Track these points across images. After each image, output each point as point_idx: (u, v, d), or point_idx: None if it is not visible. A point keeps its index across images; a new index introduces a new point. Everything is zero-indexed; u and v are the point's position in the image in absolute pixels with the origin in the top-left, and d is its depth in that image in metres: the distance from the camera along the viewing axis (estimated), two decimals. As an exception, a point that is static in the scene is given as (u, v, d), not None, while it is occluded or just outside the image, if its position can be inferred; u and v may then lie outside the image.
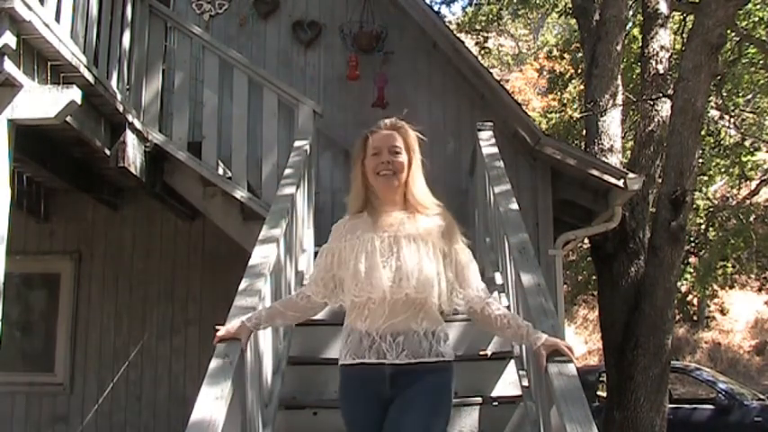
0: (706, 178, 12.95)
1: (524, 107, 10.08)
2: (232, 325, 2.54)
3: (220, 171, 5.64)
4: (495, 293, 2.44)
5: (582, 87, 11.40)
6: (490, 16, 13.42)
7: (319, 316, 4.44)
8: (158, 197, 5.87)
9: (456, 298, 2.32)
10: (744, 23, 10.54)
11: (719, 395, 9.77)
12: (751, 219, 12.62)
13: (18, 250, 4.65)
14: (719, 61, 8.54)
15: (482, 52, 13.41)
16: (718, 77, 9.68)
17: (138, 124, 5.30)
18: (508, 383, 3.82)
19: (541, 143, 6.25)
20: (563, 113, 14.65)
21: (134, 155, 5.22)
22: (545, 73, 18.88)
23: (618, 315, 6.96)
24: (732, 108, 11.90)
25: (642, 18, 8.66)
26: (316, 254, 4.94)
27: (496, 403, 3.66)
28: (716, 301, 15.73)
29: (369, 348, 2.27)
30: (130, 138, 5.17)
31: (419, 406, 2.23)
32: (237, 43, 6.65)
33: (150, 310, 6.54)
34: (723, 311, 16.63)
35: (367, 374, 2.29)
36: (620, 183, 6.12)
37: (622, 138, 8.24)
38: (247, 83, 5.52)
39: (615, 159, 7.48)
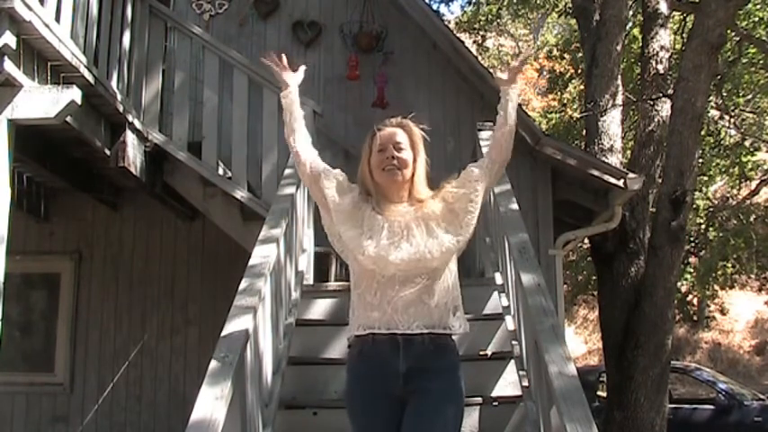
0: (706, 178, 12.95)
1: (524, 107, 10.09)
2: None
3: (220, 171, 5.64)
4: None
5: (582, 87, 11.40)
6: (489, 16, 13.43)
7: (319, 316, 4.47)
8: (158, 197, 5.87)
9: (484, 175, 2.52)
10: (744, 23, 10.53)
11: (719, 395, 9.77)
12: (751, 219, 12.63)
13: (18, 250, 4.64)
14: (719, 61, 8.54)
15: (479, 51, 13.42)
16: (718, 77, 9.68)
17: (138, 124, 5.30)
18: (508, 383, 3.82)
19: (541, 143, 6.25)
20: (563, 113, 14.64)
21: (134, 155, 5.22)
22: (545, 73, 18.87)
23: (618, 315, 6.96)
24: (732, 108, 11.89)
25: (642, 18, 8.66)
26: (316, 254, 4.99)
27: (496, 403, 3.66)
28: (716, 301, 15.71)
29: (380, 320, 2.28)
30: (130, 138, 5.17)
31: (435, 412, 2.24)
32: (237, 43, 6.65)
33: (150, 310, 6.54)
34: (723, 311, 16.62)
35: (377, 360, 2.28)
36: (620, 183, 6.12)
37: (622, 138, 8.24)
38: (247, 83, 5.52)
39: (615, 159, 7.48)
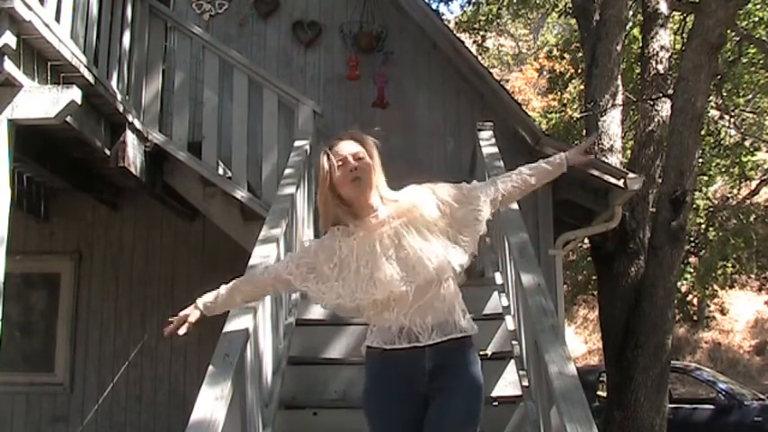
0: (706, 178, 12.96)
1: (524, 107, 10.09)
2: (184, 312, 2.49)
3: (220, 171, 5.64)
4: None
5: (582, 87, 11.40)
6: (489, 16, 13.42)
7: (319, 316, 4.46)
8: (158, 197, 5.87)
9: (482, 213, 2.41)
10: (744, 23, 10.54)
11: (719, 395, 9.77)
12: (751, 219, 12.63)
13: (18, 250, 4.64)
14: (719, 61, 8.54)
15: (480, 51, 13.42)
16: (719, 77, 9.68)
17: (138, 124, 5.30)
18: (508, 383, 3.82)
19: (541, 143, 6.25)
20: (563, 113, 14.65)
21: (134, 155, 5.22)
22: (545, 73, 18.88)
23: (618, 315, 6.96)
24: (732, 108, 11.90)
25: (642, 18, 8.66)
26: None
27: (496, 403, 3.66)
28: (716, 301, 15.71)
29: (399, 334, 2.28)
30: (130, 138, 5.17)
31: (459, 408, 2.26)
32: (237, 43, 6.65)
33: (150, 310, 6.53)
34: (723, 311, 16.61)
35: (401, 361, 2.28)
36: (620, 183, 6.12)
37: (622, 138, 8.24)
38: (247, 83, 5.52)
39: (615, 159, 7.48)
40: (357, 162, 2.32)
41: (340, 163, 2.33)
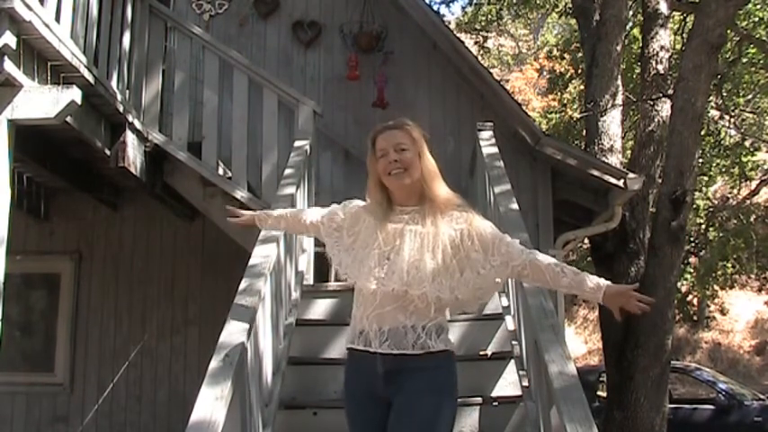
0: (706, 178, 12.96)
1: (524, 107, 10.08)
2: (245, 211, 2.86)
3: (220, 171, 5.64)
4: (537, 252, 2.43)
5: (582, 87, 11.40)
6: (490, 16, 13.42)
7: (319, 316, 4.47)
8: (158, 197, 5.87)
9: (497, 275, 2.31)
10: (744, 23, 10.55)
11: (719, 395, 9.77)
12: (751, 219, 12.64)
13: (18, 250, 4.65)
14: (719, 61, 8.54)
15: (481, 52, 13.43)
16: (719, 77, 9.68)
17: (138, 124, 5.30)
18: (508, 383, 3.82)
19: (541, 143, 6.25)
20: (563, 113, 14.65)
21: (134, 155, 5.22)
22: (545, 73, 18.89)
23: (618, 315, 6.95)
24: (732, 108, 11.90)
25: (642, 18, 8.66)
26: (316, 254, 4.99)
27: (496, 403, 3.66)
28: (716, 301, 15.71)
29: (358, 336, 2.30)
30: (130, 138, 5.17)
31: (418, 409, 2.22)
32: (237, 43, 6.65)
33: (150, 310, 6.54)
34: (723, 311, 16.61)
35: (360, 363, 2.31)
36: (620, 183, 6.12)
37: (622, 138, 8.24)
38: (247, 83, 5.52)
39: (615, 159, 7.48)
40: (398, 155, 2.30)
41: (382, 154, 2.33)
